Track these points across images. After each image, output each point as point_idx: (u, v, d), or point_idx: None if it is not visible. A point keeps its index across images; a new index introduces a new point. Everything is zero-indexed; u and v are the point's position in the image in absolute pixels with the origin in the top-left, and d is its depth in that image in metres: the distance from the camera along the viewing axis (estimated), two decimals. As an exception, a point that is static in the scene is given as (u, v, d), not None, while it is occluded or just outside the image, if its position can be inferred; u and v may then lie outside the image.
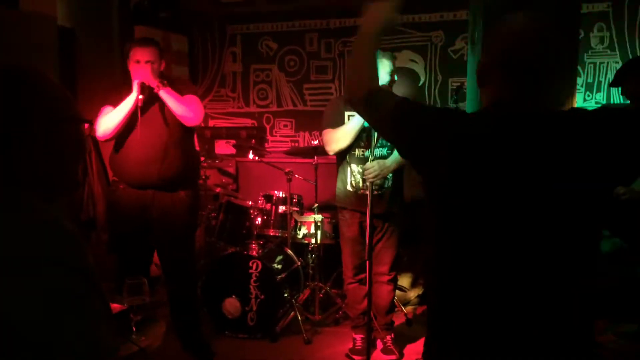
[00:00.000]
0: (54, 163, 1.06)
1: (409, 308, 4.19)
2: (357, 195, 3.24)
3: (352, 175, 3.25)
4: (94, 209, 4.27)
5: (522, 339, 1.24)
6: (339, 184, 3.34)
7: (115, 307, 1.85)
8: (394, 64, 3.18)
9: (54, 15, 2.82)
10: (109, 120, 2.98)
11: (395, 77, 3.18)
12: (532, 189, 1.22)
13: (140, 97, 2.92)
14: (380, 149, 3.19)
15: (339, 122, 3.22)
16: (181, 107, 3.00)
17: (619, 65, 4.34)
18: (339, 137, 3.18)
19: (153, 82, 2.95)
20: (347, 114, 3.24)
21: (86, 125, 1.21)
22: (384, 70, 3.11)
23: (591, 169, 1.21)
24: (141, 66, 2.97)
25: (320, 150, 4.13)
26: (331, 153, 3.28)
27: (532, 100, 1.27)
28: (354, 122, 3.13)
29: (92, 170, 4.31)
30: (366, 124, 3.07)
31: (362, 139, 3.19)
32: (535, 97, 1.28)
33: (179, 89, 3.07)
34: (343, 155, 3.27)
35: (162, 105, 3.02)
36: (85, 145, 1.16)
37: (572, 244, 1.24)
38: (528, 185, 1.22)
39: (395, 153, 3.18)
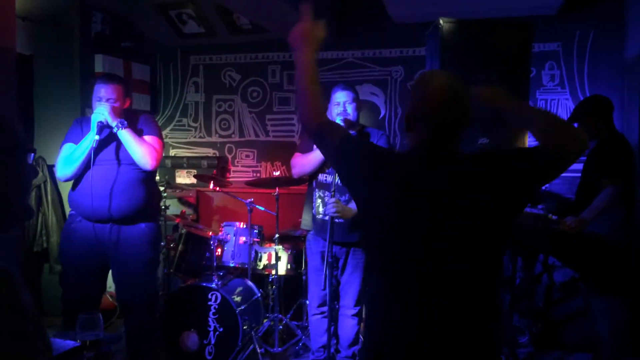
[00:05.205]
0: None
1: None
2: (317, 221, 3.26)
3: (317, 199, 3.28)
4: (48, 240, 4.16)
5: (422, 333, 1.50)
6: (305, 207, 3.39)
7: (68, 343, 1.79)
8: (349, 96, 3.18)
9: (13, 43, 2.78)
10: (68, 163, 2.95)
11: (349, 110, 3.15)
12: (439, 211, 1.50)
13: (97, 137, 2.88)
14: None
15: (308, 147, 3.28)
16: (138, 151, 2.96)
17: (568, 102, 4.54)
18: (303, 163, 3.25)
19: (112, 122, 2.91)
20: None
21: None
22: (336, 103, 3.17)
23: (481, 198, 1.48)
24: (102, 104, 2.93)
25: (282, 181, 4.15)
26: (295, 177, 3.35)
27: (445, 143, 1.57)
28: (317, 152, 3.13)
29: (46, 200, 4.21)
30: None
31: (326, 164, 3.19)
32: (447, 141, 1.57)
33: (140, 129, 3.05)
34: (310, 180, 3.33)
35: (119, 143, 2.98)
36: (29, 174, 1.11)
37: (473, 260, 1.50)
38: (437, 207, 1.50)
39: None
